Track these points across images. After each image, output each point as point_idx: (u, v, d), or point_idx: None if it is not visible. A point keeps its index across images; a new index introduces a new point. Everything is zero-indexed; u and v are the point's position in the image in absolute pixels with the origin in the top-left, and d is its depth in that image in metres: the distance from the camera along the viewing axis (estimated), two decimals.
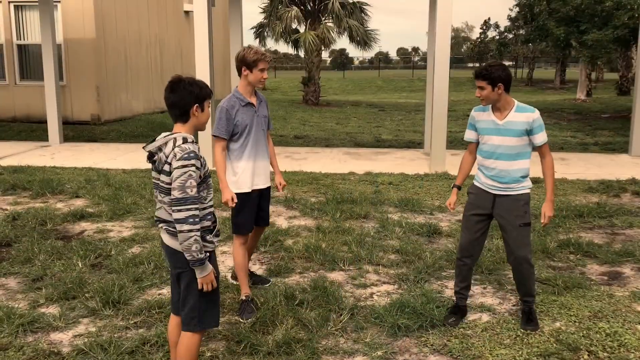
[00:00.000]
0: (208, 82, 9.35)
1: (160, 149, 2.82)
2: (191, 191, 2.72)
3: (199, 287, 2.84)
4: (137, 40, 17.01)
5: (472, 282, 4.68)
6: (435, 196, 7.49)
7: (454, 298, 4.15)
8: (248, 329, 3.80)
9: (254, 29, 24.86)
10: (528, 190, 3.86)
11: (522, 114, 3.75)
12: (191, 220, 2.71)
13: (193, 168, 2.74)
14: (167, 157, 2.78)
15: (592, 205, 6.87)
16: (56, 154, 10.50)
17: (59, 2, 14.32)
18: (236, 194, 4.04)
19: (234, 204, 4.00)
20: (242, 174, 4.13)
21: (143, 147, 2.88)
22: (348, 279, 4.75)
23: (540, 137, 3.76)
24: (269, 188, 4.38)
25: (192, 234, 2.71)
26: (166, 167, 2.79)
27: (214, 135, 4.10)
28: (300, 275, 4.86)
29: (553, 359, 3.51)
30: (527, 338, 3.75)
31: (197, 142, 2.89)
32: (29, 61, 15.19)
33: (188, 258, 2.76)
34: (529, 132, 3.75)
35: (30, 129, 13.83)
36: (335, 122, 17.87)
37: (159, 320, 3.96)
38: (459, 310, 4.06)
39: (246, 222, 4.22)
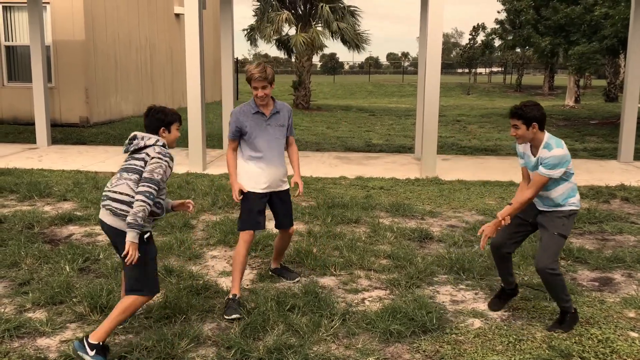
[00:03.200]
0: (198, 84, 9.35)
1: (143, 138, 3.55)
2: (157, 176, 3.42)
3: (124, 251, 3.28)
4: (127, 43, 16.91)
5: (464, 287, 4.70)
6: (426, 201, 7.49)
7: (502, 283, 4.30)
8: (238, 335, 3.76)
9: (245, 31, 24.82)
10: (573, 207, 3.90)
11: (545, 150, 3.80)
12: (147, 194, 3.36)
13: (166, 163, 3.48)
14: (145, 146, 3.50)
15: (582, 211, 6.89)
16: (44, 157, 10.40)
17: (48, 3, 14.22)
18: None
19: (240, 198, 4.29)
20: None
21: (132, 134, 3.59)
22: (339, 284, 4.72)
23: (542, 170, 3.76)
24: (282, 192, 4.52)
25: (144, 204, 3.34)
26: (141, 153, 3.50)
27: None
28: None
29: None
30: (519, 344, 3.74)
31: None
32: (17, 62, 15.05)
33: (129, 220, 3.28)
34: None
35: (17, 131, 13.70)
36: (326, 126, 17.86)
37: (147, 325, 3.90)
38: (503, 294, 4.26)
39: (248, 218, 4.34)
